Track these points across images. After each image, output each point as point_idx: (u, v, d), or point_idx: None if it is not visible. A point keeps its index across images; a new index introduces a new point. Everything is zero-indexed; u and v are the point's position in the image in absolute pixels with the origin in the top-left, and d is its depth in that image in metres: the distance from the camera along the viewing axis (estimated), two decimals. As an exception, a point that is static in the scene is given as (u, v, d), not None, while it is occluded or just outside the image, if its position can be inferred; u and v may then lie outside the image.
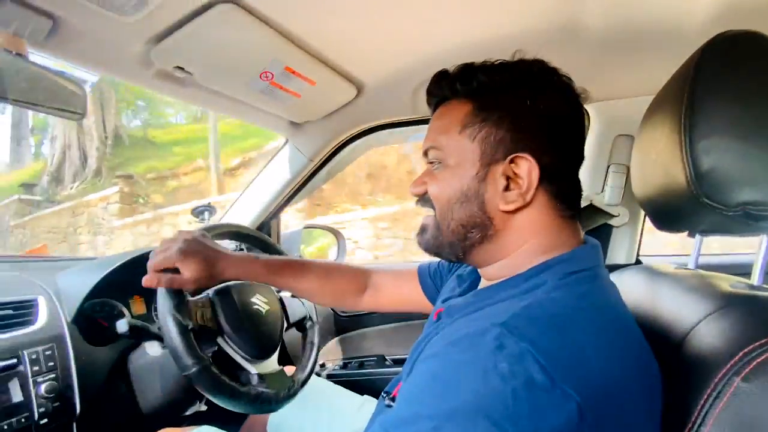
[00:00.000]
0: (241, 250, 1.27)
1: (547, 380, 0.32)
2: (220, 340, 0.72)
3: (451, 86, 0.50)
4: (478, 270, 0.54)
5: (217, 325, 0.73)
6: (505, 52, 0.51)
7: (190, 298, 0.71)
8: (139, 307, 1.02)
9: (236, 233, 0.88)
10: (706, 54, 0.43)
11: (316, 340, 0.89)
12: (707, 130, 0.41)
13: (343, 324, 1.21)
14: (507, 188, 0.46)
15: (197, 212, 1.27)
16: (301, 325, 0.91)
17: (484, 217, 0.47)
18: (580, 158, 0.49)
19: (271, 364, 0.77)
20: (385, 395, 0.56)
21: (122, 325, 0.70)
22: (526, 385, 0.31)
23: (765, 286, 0.45)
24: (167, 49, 0.69)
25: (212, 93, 0.86)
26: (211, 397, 0.64)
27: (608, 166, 0.95)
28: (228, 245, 1.26)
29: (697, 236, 0.61)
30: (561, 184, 0.47)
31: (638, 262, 0.96)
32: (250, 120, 1.03)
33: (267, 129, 1.08)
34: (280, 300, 0.88)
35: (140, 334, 0.74)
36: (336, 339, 1.22)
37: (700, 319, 0.43)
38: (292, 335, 0.94)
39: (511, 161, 0.45)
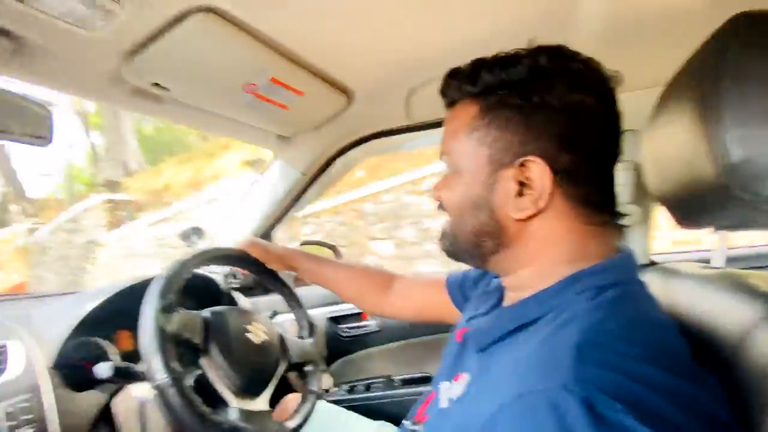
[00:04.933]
0: (233, 274, 1.20)
1: None
2: (203, 361, 0.66)
3: (459, 87, 0.47)
4: (502, 280, 0.51)
5: (204, 342, 0.67)
6: (502, 49, 0.46)
7: (182, 310, 0.66)
8: (125, 342, 0.95)
9: (227, 256, 0.82)
10: (726, 37, 0.39)
11: (316, 388, 0.81)
12: (738, 119, 0.37)
13: (345, 346, 1.15)
14: (521, 194, 0.42)
15: (184, 235, 1.21)
16: (302, 369, 0.83)
17: (495, 225, 0.44)
18: (613, 154, 0.44)
19: (259, 403, 0.70)
20: (409, 422, 0.51)
21: (104, 369, 0.63)
22: None
23: None
24: (141, 64, 0.64)
25: (193, 109, 0.81)
26: (176, 419, 0.57)
27: (614, 164, 0.91)
28: (218, 269, 1.20)
29: (723, 232, 0.57)
30: (586, 186, 0.42)
31: (652, 263, 0.92)
32: (236, 136, 0.98)
33: (253, 144, 1.03)
34: (281, 337, 0.81)
35: (126, 375, 0.68)
36: (339, 362, 1.15)
37: (751, 326, 0.38)
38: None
39: (521, 165, 0.42)
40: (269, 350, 0.76)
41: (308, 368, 0.84)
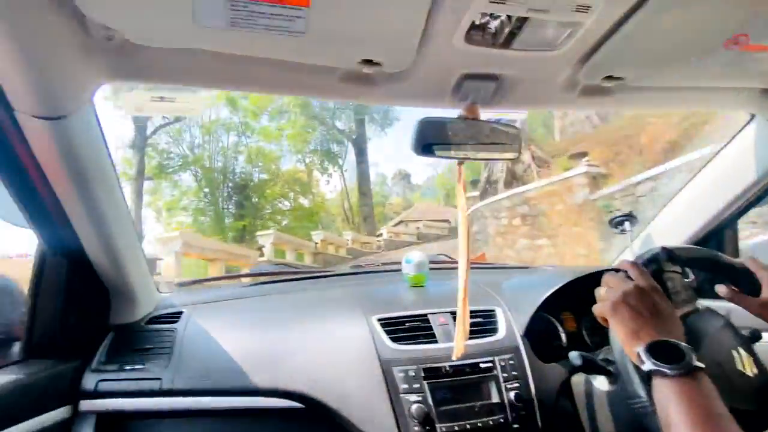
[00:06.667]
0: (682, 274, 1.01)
1: None
2: None
3: None
4: None
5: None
6: None
7: None
8: (570, 323, 1.03)
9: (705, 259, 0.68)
10: None
11: None
12: None
13: None
14: None
15: (616, 222, 1.15)
16: None
17: None
18: None
19: None
20: None
21: (576, 358, 0.70)
22: None
23: None
24: (596, 63, 0.62)
25: (644, 91, 0.71)
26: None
27: None
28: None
29: None
30: None
31: None
32: (695, 105, 0.78)
33: (716, 109, 0.79)
34: None
35: (591, 367, 0.72)
36: None
37: None
38: None
39: None
40: (751, 385, 0.58)
41: None
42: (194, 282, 1.19)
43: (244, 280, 1.20)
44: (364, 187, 18.58)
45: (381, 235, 15.16)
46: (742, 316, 0.86)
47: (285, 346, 0.84)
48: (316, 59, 0.58)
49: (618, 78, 0.65)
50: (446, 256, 1.52)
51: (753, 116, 0.80)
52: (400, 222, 18.38)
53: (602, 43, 0.58)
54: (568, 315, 1.04)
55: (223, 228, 15.50)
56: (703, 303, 0.77)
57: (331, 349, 0.83)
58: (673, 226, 1.04)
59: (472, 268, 1.38)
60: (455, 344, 0.75)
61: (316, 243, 11.10)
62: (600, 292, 0.62)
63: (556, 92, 0.71)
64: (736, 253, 0.99)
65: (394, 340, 0.83)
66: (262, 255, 9.36)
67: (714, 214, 0.93)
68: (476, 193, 9.92)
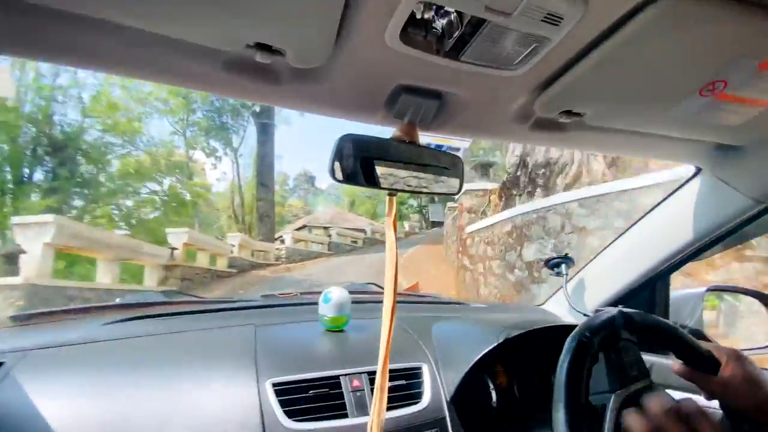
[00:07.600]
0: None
1: None
2: None
3: None
4: None
5: None
6: None
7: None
8: (501, 377, 0.93)
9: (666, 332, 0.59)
10: None
11: None
12: None
13: None
14: None
15: (552, 265, 1.08)
16: None
17: None
18: None
19: None
20: None
21: None
22: None
23: None
24: (555, 94, 0.50)
25: (599, 132, 0.62)
26: None
27: None
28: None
29: None
30: None
31: None
32: (644, 153, 0.71)
33: (668, 161, 0.73)
34: None
35: None
36: None
37: None
38: None
39: None
40: None
41: None
42: (34, 315, 0.89)
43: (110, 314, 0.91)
44: (265, 177, 13.23)
45: (282, 240, 11.38)
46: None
47: (139, 420, 0.61)
48: (181, 32, 0.39)
49: (576, 114, 0.55)
50: (376, 285, 1.35)
51: (699, 170, 0.76)
52: (305, 226, 15.11)
53: (565, 70, 0.47)
54: (500, 368, 0.93)
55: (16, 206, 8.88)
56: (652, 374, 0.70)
57: (203, 428, 0.62)
58: (607, 273, 0.99)
59: (401, 302, 1.23)
60: (369, 425, 0.59)
61: (174, 248, 6.79)
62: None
63: (507, 121, 0.59)
64: (666, 305, 0.95)
65: (290, 414, 0.64)
66: (14, 272, 4.07)
67: (649, 266, 0.88)
68: (494, 185, 5.70)
